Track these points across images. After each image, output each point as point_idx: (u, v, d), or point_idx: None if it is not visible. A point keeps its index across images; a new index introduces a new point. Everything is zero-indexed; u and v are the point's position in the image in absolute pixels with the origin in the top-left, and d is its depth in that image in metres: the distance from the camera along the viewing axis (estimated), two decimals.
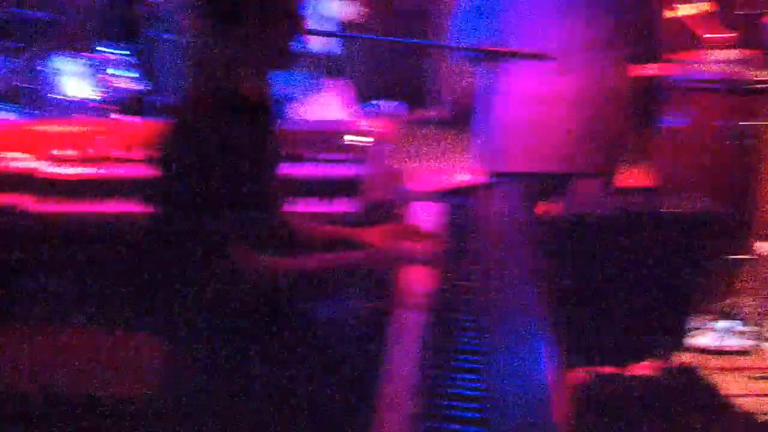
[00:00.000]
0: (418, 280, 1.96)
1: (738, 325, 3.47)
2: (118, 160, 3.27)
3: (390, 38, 6.68)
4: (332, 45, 5.90)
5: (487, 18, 3.01)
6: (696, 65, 3.54)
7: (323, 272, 1.90)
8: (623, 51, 2.93)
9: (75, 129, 3.43)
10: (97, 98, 4.20)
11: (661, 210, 2.63)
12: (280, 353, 1.86)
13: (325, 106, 5.16)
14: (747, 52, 3.56)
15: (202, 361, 1.83)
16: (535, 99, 2.89)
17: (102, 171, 3.25)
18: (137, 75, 4.38)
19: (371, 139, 3.26)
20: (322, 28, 5.70)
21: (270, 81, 1.97)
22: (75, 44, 4.61)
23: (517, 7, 2.95)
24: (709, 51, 3.87)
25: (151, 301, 1.99)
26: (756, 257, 3.56)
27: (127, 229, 3.01)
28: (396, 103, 6.52)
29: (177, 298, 1.85)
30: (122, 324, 2.92)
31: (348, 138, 3.28)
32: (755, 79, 3.31)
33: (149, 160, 1.88)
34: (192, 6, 1.91)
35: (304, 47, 5.57)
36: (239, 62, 1.87)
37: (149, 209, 1.88)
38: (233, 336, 1.82)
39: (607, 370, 2.77)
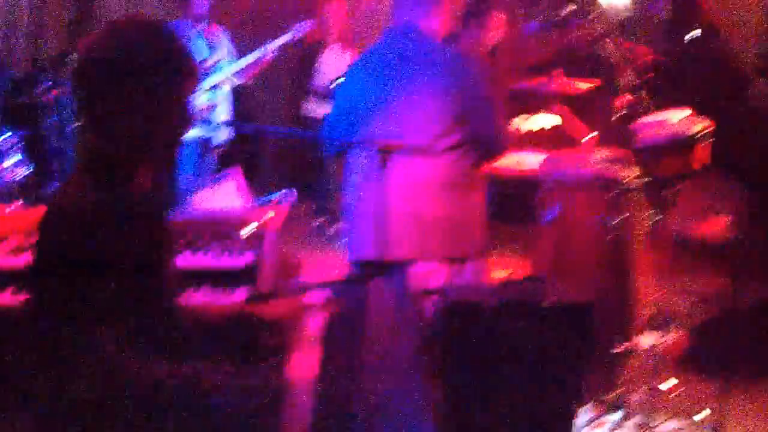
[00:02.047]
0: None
1: (628, 418, 3.54)
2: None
3: (276, 129, 6.75)
4: (227, 134, 5.94)
5: (352, 117, 3.18)
6: (574, 163, 3.73)
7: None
8: (470, 145, 3.09)
9: None
10: None
11: (541, 300, 2.66)
12: None
13: (219, 195, 5.16)
14: (619, 152, 3.77)
15: None
16: (392, 188, 2.97)
17: None
18: (31, 162, 4.35)
19: (266, 229, 3.29)
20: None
21: (158, 171, 1.96)
22: None
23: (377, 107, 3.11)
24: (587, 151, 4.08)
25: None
26: (638, 349, 3.69)
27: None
28: (291, 192, 6.54)
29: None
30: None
31: (242, 227, 3.31)
32: (626, 177, 3.52)
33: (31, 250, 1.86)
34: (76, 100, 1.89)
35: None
36: (124, 153, 1.85)
37: (29, 300, 1.86)
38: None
39: None
